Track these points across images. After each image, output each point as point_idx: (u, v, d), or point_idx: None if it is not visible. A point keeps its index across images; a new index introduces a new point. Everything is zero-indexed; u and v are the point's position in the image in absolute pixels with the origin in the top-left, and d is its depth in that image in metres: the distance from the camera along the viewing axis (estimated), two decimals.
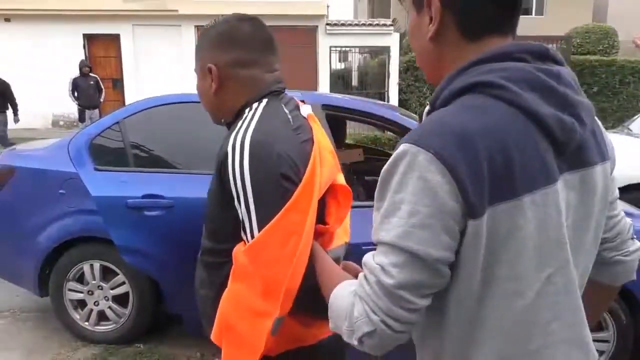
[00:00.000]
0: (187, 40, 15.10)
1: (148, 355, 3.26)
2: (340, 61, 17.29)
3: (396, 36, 15.34)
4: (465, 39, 0.90)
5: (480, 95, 0.84)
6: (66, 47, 14.60)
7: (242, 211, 1.12)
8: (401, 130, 3.12)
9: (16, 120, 10.30)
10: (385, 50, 15.27)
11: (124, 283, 3.33)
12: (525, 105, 0.82)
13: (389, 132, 9.04)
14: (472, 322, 0.86)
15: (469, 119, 0.81)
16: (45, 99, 14.49)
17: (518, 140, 0.81)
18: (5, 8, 14.32)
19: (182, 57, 14.90)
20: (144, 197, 3.00)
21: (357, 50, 15.85)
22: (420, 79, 13.67)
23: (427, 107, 0.96)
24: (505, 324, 0.85)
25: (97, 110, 11.20)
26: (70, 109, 13.21)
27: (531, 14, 22.46)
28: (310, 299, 1.12)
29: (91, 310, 3.40)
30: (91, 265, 3.33)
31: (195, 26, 15.17)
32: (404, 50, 15.38)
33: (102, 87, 11.41)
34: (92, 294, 3.37)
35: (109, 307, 3.38)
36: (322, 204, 1.24)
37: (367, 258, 0.86)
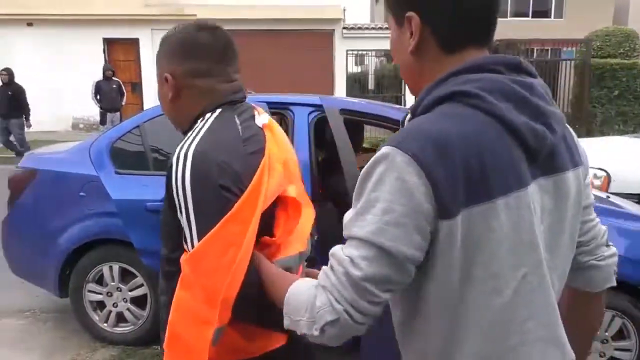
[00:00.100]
0: None
1: None
2: (356, 65, 17.29)
3: None
4: (444, 52, 0.95)
5: (458, 104, 0.89)
6: (86, 51, 14.82)
7: (183, 221, 1.14)
8: None
9: (28, 125, 10.48)
10: None
11: (142, 285, 3.36)
12: (500, 114, 0.86)
13: None
14: (453, 321, 0.89)
15: (447, 126, 0.85)
16: (66, 102, 14.71)
17: (492, 146, 0.85)
18: (28, 13, 14.59)
19: None
20: (163, 200, 3.02)
21: (373, 53, 15.84)
22: None
23: (409, 115, 1.00)
24: (484, 323, 0.88)
25: (118, 114, 11.38)
26: (90, 112, 13.41)
27: (550, 17, 22.23)
28: (250, 310, 1.15)
29: (110, 311, 3.43)
30: (110, 267, 3.37)
31: None
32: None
33: (124, 90, 11.58)
34: (111, 295, 3.41)
35: (128, 309, 3.42)
36: (271, 215, 1.24)
37: (336, 250, 0.89)
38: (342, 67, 15.58)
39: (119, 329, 3.45)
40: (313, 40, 15.26)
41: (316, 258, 1.68)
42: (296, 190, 1.32)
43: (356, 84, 16.08)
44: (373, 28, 15.95)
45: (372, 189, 0.85)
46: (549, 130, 0.91)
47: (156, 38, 15.38)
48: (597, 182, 5.08)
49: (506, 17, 23.28)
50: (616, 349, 2.88)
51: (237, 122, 1.26)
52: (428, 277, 0.88)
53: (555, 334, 0.96)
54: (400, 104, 13.87)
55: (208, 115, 1.26)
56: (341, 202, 3.18)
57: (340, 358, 2.67)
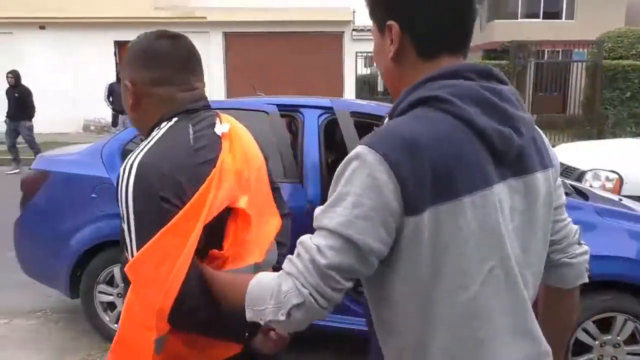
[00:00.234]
0: (214, 47, 15.29)
1: None
2: (365, 66, 17.29)
3: None
4: (421, 59, 1.01)
5: (430, 108, 0.94)
6: (98, 54, 14.95)
7: (125, 230, 1.15)
8: None
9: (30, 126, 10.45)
10: None
11: None
12: (468, 118, 0.92)
13: None
14: (422, 316, 0.93)
15: (417, 128, 0.91)
16: (77, 104, 14.84)
17: (459, 148, 0.91)
18: (41, 16, 14.74)
19: (209, 63, 15.09)
20: None
21: None
22: None
23: (387, 119, 1.07)
24: (453, 317, 0.93)
25: None
26: (101, 114, 13.51)
27: (561, 19, 22.09)
28: (191, 321, 1.16)
29: (120, 312, 3.44)
30: (121, 268, 3.37)
31: (223, 33, 15.36)
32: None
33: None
34: (122, 296, 3.43)
35: None
36: (222, 226, 1.23)
37: (304, 238, 0.94)
38: (352, 69, 15.58)
39: None
40: (322, 42, 15.28)
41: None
42: (250, 201, 1.28)
43: (365, 85, 16.08)
44: None
45: (344, 184, 0.91)
46: (516, 133, 0.96)
47: None
48: (609, 185, 5.04)
49: (517, 18, 23.17)
50: (628, 354, 2.85)
51: (191, 131, 1.24)
52: (395, 272, 0.93)
53: (526, 326, 0.99)
54: None
55: (164, 124, 1.26)
56: None
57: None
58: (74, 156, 3.65)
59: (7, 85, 10.18)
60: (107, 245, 3.33)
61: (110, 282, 3.44)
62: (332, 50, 15.64)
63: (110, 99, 11.33)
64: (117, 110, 11.37)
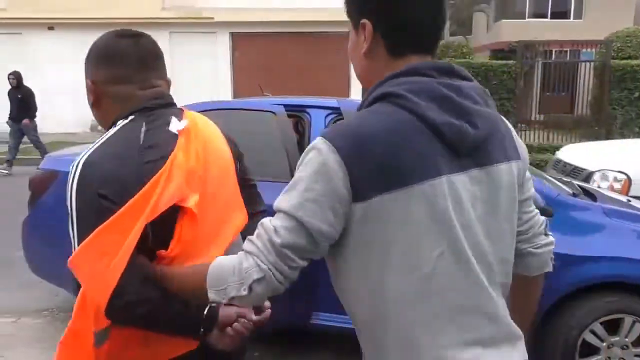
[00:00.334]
0: (222, 46, 15.33)
1: None
2: None
3: None
4: (391, 57, 1.08)
5: (388, 104, 1.02)
6: None
7: (69, 226, 1.19)
8: None
9: (26, 124, 10.40)
10: None
11: None
12: (421, 112, 0.99)
13: None
14: (377, 298, 1.01)
15: (371, 122, 1.00)
16: (85, 104, 14.72)
17: (410, 140, 0.98)
18: (49, 17, 14.84)
19: (216, 63, 15.14)
20: None
21: None
22: None
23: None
24: (405, 297, 1.00)
25: None
26: None
27: (569, 18, 21.99)
28: (131, 316, 1.16)
29: None
30: None
31: (230, 33, 15.40)
32: (437, 55, 15.25)
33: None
34: None
35: None
36: (171, 226, 1.22)
37: (265, 220, 1.02)
38: None
39: None
40: (329, 43, 15.27)
41: None
42: (204, 200, 1.26)
43: None
44: None
45: (301, 170, 1.00)
46: (472, 127, 1.01)
47: (174, 41, 15.57)
48: (618, 186, 5.01)
49: (524, 18, 23.09)
50: (636, 355, 2.83)
51: (143, 129, 1.25)
52: (348, 257, 1.02)
53: (484, 308, 1.04)
54: None
55: (120, 122, 1.28)
56: None
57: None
58: None
59: (9, 87, 10.11)
60: None
61: None
62: (339, 50, 15.65)
63: None
64: None
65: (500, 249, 1.08)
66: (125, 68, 1.30)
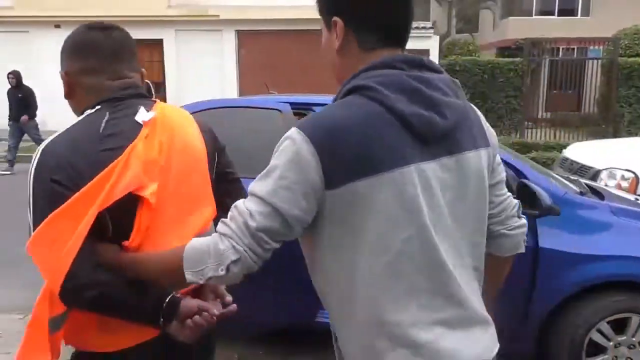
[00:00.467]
0: (227, 44, 15.35)
1: None
2: None
3: (436, 39, 15.20)
4: (363, 52, 1.14)
5: (359, 96, 1.07)
6: None
7: (28, 212, 1.21)
8: None
9: (26, 123, 10.35)
10: (425, 53, 15.13)
11: None
12: (389, 104, 1.04)
13: None
14: (350, 275, 1.07)
15: (343, 113, 1.05)
16: None
17: (379, 130, 1.03)
18: (56, 15, 14.89)
19: (222, 61, 15.16)
20: None
21: None
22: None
23: None
24: (375, 276, 1.05)
25: None
26: None
27: (576, 15, 21.87)
28: (75, 298, 1.18)
29: None
30: None
31: (236, 31, 15.40)
32: (443, 53, 15.22)
33: (153, 92, 11.71)
34: None
35: None
36: (132, 216, 1.23)
37: (239, 203, 1.06)
38: None
39: None
40: None
41: None
42: (164, 191, 1.26)
43: None
44: None
45: (276, 158, 1.05)
46: (441, 117, 1.06)
47: (180, 39, 15.62)
48: (625, 184, 4.98)
49: (531, 15, 22.99)
50: None
51: (106, 118, 1.27)
52: (321, 241, 1.08)
53: (448, 291, 1.09)
54: None
55: (87, 111, 1.31)
56: None
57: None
58: None
59: (9, 86, 10.04)
60: None
61: None
62: None
63: None
64: None
65: (469, 233, 1.14)
66: (97, 59, 1.34)
